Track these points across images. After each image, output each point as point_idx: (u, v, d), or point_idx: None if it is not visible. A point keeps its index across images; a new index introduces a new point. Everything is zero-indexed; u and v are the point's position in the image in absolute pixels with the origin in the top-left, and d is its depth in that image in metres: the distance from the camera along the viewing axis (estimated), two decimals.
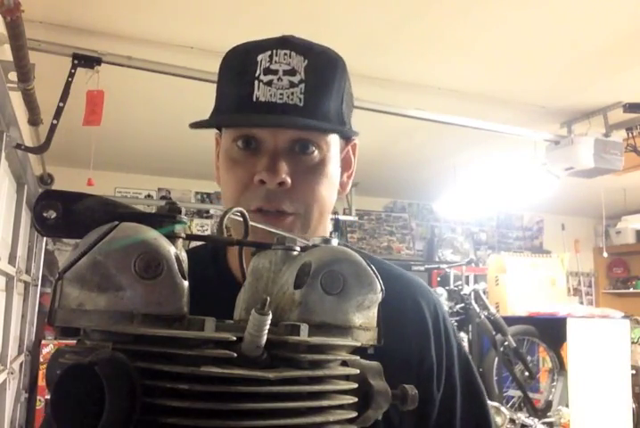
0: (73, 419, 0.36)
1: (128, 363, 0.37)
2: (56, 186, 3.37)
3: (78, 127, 2.23)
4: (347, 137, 0.80)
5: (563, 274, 4.29)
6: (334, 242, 0.51)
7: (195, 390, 0.38)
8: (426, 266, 4.74)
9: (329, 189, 0.75)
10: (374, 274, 0.49)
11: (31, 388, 3.50)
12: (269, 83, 0.70)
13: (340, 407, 0.44)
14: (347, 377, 0.46)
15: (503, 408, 3.04)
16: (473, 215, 5.92)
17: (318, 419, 0.41)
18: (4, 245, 2.59)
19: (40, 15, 2.20)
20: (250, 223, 0.53)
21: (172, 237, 0.45)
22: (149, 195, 5.01)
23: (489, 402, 0.86)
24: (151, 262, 0.41)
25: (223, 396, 0.38)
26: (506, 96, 3.03)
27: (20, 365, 3.24)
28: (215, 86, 0.78)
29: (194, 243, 0.60)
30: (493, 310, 3.59)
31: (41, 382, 3.47)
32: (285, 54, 0.71)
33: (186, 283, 0.43)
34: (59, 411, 0.36)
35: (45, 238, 3.69)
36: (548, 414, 3.30)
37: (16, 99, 2.03)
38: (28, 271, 3.34)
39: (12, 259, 2.71)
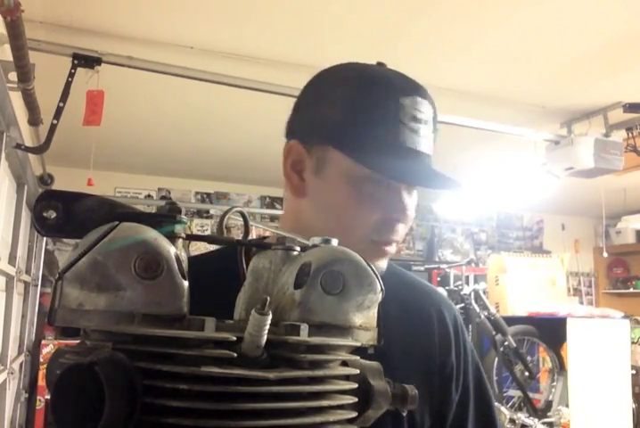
0: (73, 419, 0.36)
1: (128, 363, 0.37)
2: (56, 186, 3.37)
3: (78, 127, 2.23)
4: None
5: (563, 274, 4.28)
6: (334, 242, 0.51)
7: (195, 390, 0.37)
8: (426, 266, 4.73)
9: None
10: (374, 274, 0.49)
11: (31, 388, 3.50)
12: (416, 131, 0.72)
13: (341, 407, 0.44)
14: (347, 377, 0.46)
15: (503, 408, 3.03)
16: (473, 215, 5.92)
17: (318, 419, 0.41)
18: (4, 245, 2.59)
19: (40, 15, 2.20)
20: (251, 223, 0.53)
21: (172, 237, 0.45)
22: (149, 195, 5.01)
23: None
24: (151, 262, 0.41)
25: (223, 396, 0.38)
26: (506, 96, 3.03)
27: (20, 365, 3.24)
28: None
29: (194, 243, 0.60)
30: (493, 310, 3.59)
31: (41, 382, 3.47)
32: (426, 105, 0.75)
33: (186, 283, 0.43)
34: (59, 411, 0.36)
35: (45, 238, 3.68)
36: (548, 414, 3.29)
37: (16, 99, 2.03)
38: (28, 271, 3.34)
39: (12, 259, 2.71)
